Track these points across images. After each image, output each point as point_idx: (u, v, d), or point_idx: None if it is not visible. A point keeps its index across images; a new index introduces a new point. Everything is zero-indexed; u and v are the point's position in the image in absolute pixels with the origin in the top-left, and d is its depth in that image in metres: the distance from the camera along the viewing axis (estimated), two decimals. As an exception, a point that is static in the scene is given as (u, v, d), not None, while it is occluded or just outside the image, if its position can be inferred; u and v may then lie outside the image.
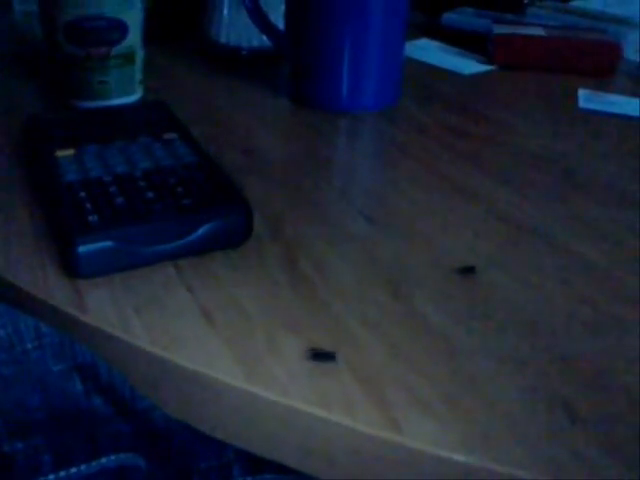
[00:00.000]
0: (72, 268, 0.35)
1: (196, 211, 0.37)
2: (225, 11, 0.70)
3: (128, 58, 0.56)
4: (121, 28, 0.54)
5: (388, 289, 0.35)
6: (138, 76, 0.58)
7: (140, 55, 0.57)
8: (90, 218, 0.36)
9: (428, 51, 0.76)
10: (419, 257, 0.38)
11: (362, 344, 0.31)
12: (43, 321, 0.32)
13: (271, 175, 0.47)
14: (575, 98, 0.64)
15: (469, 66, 0.72)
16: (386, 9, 0.56)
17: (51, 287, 0.34)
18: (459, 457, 0.26)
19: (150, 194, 0.38)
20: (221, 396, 0.29)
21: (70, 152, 0.43)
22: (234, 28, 0.71)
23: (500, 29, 0.73)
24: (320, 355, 0.30)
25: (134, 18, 0.55)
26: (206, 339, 0.31)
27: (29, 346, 0.30)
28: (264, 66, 0.69)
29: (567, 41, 0.72)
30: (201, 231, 0.36)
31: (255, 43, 0.70)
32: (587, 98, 0.64)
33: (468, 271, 0.37)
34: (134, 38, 0.56)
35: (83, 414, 0.30)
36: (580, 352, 0.31)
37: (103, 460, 0.28)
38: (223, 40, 0.71)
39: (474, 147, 0.52)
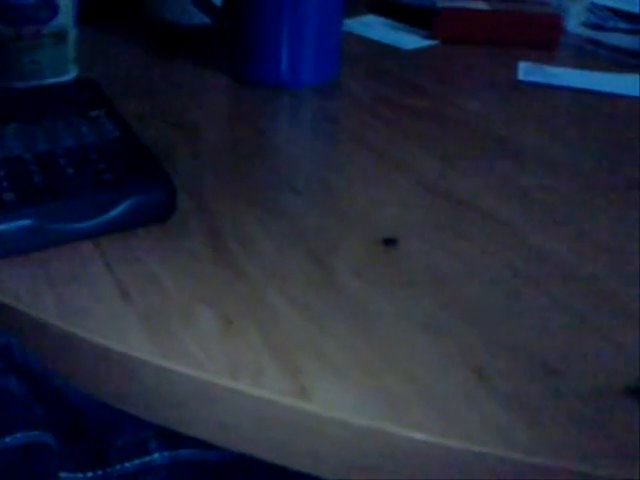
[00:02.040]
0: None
1: (116, 186, 0.36)
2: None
3: (60, 37, 0.55)
4: (51, 6, 0.53)
5: (310, 260, 0.35)
6: (71, 55, 0.57)
7: (73, 34, 0.56)
8: (6, 196, 0.35)
9: (373, 27, 0.76)
10: (344, 229, 0.38)
11: (278, 314, 0.31)
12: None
13: (202, 151, 0.46)
14: (515, 71, 0.64)
15: (412, 41, 0.71)
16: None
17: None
18: (368, 423, 0.26)
19: (70, 171, 0.37)
20: (135, 372, 0.29)
21: (-8, 131, 0.42)
22: (174, 5, 0.70)
23: (442, 3, 0.73)
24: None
25: (65, -4, 0.54)
26: (121, 315, 0.31)
27: None
28: (205, 43, 0.68)
29: (509, 15, 0.72)
30: (122, 207, 0.36)
31: (196, 20, 0.69)
32: (527, 71, 0.64)
33: (392, 242, 0.37)
34: (66, 17, 0.55)
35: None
36: (499, 319, 0.32)
37: (7, 439, 0.28)
38: (163, 17, 0.70)
39: (409, 120, 0.52)
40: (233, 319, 0.31)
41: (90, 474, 0.30)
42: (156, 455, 0.31)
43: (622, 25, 0.79)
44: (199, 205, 0.40)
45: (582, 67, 0.66)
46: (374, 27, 0.76)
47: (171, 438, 0.31)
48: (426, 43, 0.71)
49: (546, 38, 0.71)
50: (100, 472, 0.31)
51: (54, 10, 0.54)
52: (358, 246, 0.36)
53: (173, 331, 0.30)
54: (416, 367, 0.29)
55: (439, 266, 0.35)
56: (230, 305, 0.32)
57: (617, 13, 0.82)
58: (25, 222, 0.34)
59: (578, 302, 0.33)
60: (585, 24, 0.79)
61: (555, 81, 0.63)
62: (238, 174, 0.43)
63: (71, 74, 0.57)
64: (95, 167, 0.38)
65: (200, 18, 0.68)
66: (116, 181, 0.37)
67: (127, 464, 0.31)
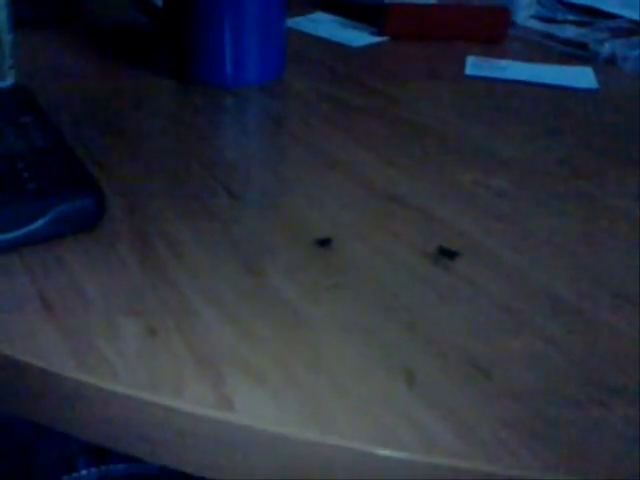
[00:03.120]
0: None
1: (41, 196, 0.35)
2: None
3: (-6, 42, 0.53)
4: (-18, 12, 0.52)
5: (242, 264, 0.34)
6: (7, 62, 0.55)
7: (8, 40, 0.55)
8: None
9: (321, 24, 0.75)
10: (279, 231, 0.37)
11: (204, 323, 0.30)
12: None
13: (139, 155, 0.45)
14: (463, 66, 0.64)
15: (360, 38, 0.71)
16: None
17: None
18: (292, 433, 0.26)
19: None
20: (55, 387, 0.28)
21: None
22: (115, 6, 0.69)
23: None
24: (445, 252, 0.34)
25: (-3, 0, 0.53)
26: (41, 328, 0.30)
27: None
28: (153, 46, 0.67)
29: (456, 9, 0.72)
30: (47, 217, 0.35)
31: (140, 20, 0.68)
32: (474, 65, 0.64)
33: (326, 243, 0.36)
34: (-1, 21, 0.53)
35: None
36: (429, 320, 0.31)
37: None
38: (103, 19, 0.69)
39: (352, 119, 0.52)
40: (157, 329, 0.30)
41: (15, 493, 0.30)
42: (84, 472, 0.30)
43: (571, 17, 0.79)
44: (132, 211, 0.39)
45: (531, 60, 0.66)
46: (323, 24, 0.75)
47: (99, 454, 0.30)
48: (374, 40, 0.71)
49: (494, 32, 0.71)
50: (25, 491, 0.30)
51: (-14, 15, 0.52)
52: (292, 249, 0.36)
53: (94, 343, 0.29)
54: (342, 372, 0.28)
55: (371, 266, 0.35)
56: (155, 315, 0.31)
57: (566, 5, 0.82)
58: None
59: (512, 300, 0.32)
60: (534, 17, 0.79)
61: (503, 75, 0.62)
62: (175, 178, 0.42)
63: (7, 81, 0.55)
64: (20, 176, 0.37)
65: (140, 19, 0.67)
66: (40, 190, 0.36)
67: (54, 482, 0.30)
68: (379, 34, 0.72)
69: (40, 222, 0.35)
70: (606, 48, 0.67)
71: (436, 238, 0.37)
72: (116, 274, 0.33)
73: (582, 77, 0.62)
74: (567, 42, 0.73)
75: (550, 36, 0.74)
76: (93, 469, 0.30)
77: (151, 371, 0.28)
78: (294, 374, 0.28)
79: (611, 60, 0.66)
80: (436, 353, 0.29)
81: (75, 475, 0.30)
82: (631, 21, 0.76)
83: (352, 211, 0.39)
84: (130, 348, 0.29)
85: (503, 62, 0.65)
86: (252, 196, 0.41)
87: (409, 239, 0.37)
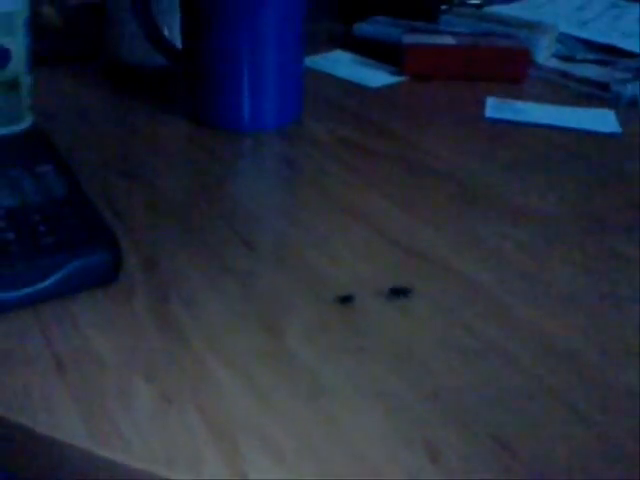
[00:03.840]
0: None
1: (56, 252, 0.35)
2: (127, 28, 0.68)
3: (12, 85, 0.53)
4: (3, 54, 0.52)
5: (261, 325, 0.34)
6: (25, 103, 0.55)
7: (26, 81, 0.55)
8: None
9: (339, 64, 0.75)
10: (299, 288, 0.37)
11: (221, 389, 0.30)
12: None
13: (154, 203, 0.45)
14: (483, 107, 0.63)
15: (379, 78, 0.70)
16: (281, 27, 0.55)
17: None
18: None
19: (10, 235, 0.36)
20: (65, 457, 0.27)
21: None
22: (137, 46, 0.69)
23: (409, 39, 0.72)
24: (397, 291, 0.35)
25: (17, 43, 0.53)
26: (54, 393, 0.29)
27: None
28: (168, 85, 0.67)
29: (476, 49, 0.71)
30: (61, 273, 0.34)
31: (160, 61, 0.68)
32: (494, 107, 0.64)
33: (347, 300, 0.35)
34: (18, 64, 0.53)
35: None
36: (451, 386, 0.30)
37: None
38: (125, 59, 0.69)
39: (371, 165, 0.51)
40: (172, 397, 0.29)
41: None
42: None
43: (591, 56, 0.78)
44: (149, 266, 0.38)
45: (552, 101, 0.65)
46: (341, 64, 0.75)
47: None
48: (393, 80, 0.70)
49: (514, 72, 0.71)
50: None
51: (5, 58, 0.52)
52: (311, 307, 0.35)
53: (108, 412, 0.28)
54: (364, 444, 0.27)
55: (394, 327, 0.34)
56: (171, 381, 0.30)
57: (586, 44, 0.82)
58: None
59: (535, 364, 0.31)
60: (555, 55, 0.79)
61: (523, 117, 0.62)
62: (192, 228, 0.42)
63: (25, 122, 0.55)
64: (36, 230, 0.36)
65: (162, 59, 0.66)
66: (56, 246, 0.35)
67: None
68: (398, 74, 0.71)
69: (54, 279, 0.34)
70: (628, 90, 0.66)
71: (458, 297, 0.36)
72: (132, 335, 0.33)
73: (604, 120, 0.62)
74: (587, 81, 0.72)
75: (570, 76, 0.73)
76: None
77: (166, 444, 0.27)
78: (313, 447, 0.27)
79: (634, 102, 0.65)
80: (459, 425, 0.28)
81: None
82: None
83: (372, 265, 0.39)
84: (145, 418, 0.28)
85: (523, 104, 0.65)
86: (269, 248, 0.40)
87: (432, 296, 0.36)
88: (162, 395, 0.29)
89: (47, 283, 0.34)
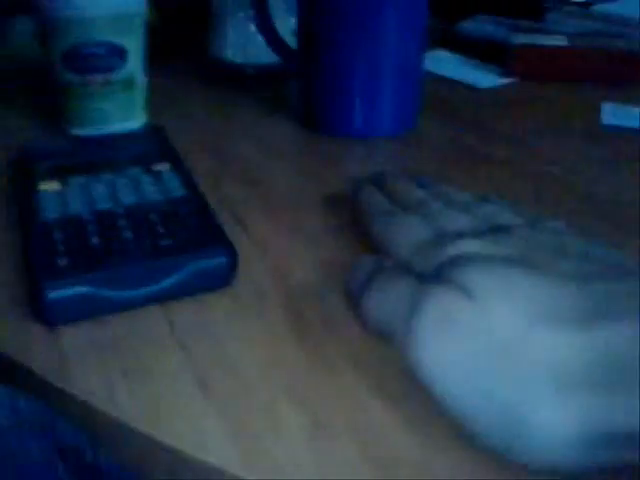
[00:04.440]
0: (40, 315, 0.33)
1: (173, 254, 0.35)
2: (230, 27, 0.68)
3: (128, 84, 0.53)
4: (120, 54, 0.52)
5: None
6: (140, 102, 0.55)
7: (141, 81, 0.55)
8: (59, 261, 0.33)
9: (443, 63, 0.73)
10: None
11: (374, 418, 0.28)
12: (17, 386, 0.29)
13: (275, 209, 0.44)
14: (598, 113, 0.60)
15: (487, 79, 0.68)
16: (403, 28, 0.53)
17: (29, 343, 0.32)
18: None
19: (129, 234, 0.36)
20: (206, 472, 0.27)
21: (54, 185, 0.41)
22: (240, 45, 0.68)
23: (519, 39, 0.70)
24: None
25: (134, 43, 0.53)
26: (200, 413, 0.28)
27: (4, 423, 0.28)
28: (273, 86, 0.66)
29: (590, 50, 0.68)
30: (177, 275, 0.34)
31: (263, 61, 0.68)
32: (610, 113, 0.61)
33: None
34: (134, 64, 0.53)
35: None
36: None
37: None
38: (228, 58, 0.68)
39: (491, 172, 0.49)
40: (322, 424, 0.28)
41: None
42: None
43: None
44: (277, 273, 0.37)
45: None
46: (445, 63, 0.73)
47: None
48: (502, 81, 0.68)
49: (630, 75, 0.68)
50: None
51: (123, 58, 0.52)
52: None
53: (257, 435, 0.27)
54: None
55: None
56: (318, 402, 0.29)
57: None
58: (77, 289, 0.33)
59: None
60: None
61: (641, 124, 0.59)
62: (316, 237, 0.41)
63: (139, 121, 0.56)
64: (154, 230, 0.36)
65: (267, 58, 0.66)
66: (173, 248, 0.35)
67: None
68: (506, 75, 0.69)
69: (170, 281, 0.34)
70: None
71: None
72: (269, 349, 0.32)
73: None
74: None
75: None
76: None
77: (321, 473, 0.26)
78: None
79: None
80: None
81: None
82: None
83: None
84: (296, 443, 0.27)
85: (641, 109, 0.62)
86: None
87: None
88: (312, 417, 0.28)
89: (162, 285, 0.34)
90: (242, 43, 0.68)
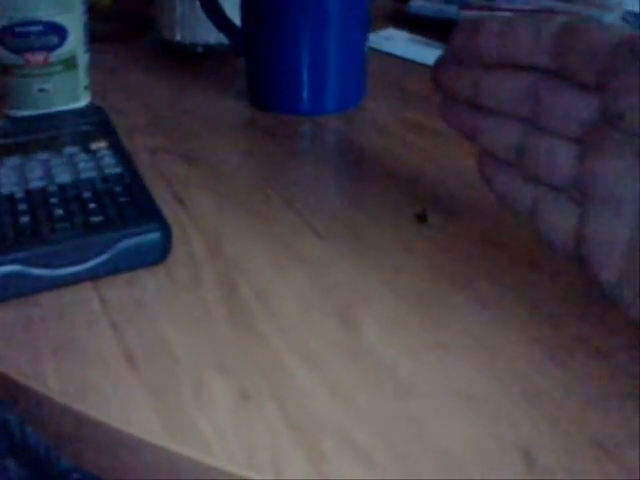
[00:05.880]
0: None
1: (105, 231, 0.34)
2: (180, 7, 0.67)
3: (69, 64, 0.52)
4: (59, 33, 0.51)
5: (335, 317, 0.32)
6: (83, 82, 0.54)
7: (84, 60, 0.54)
8: None
9: (394, 42, 0.73)
10: (371, 276, 0.35)
11: (299, 384, 0.28)
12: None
13: (216, 186, 0.44)
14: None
15: (435, 56, 0.68)
16: (347, 6, 0.53)
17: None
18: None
19: (60, 212, 0.35)
20: (142, 454, 0.27)
21: (-12, 166, 0.40)
22: (189, 25, 0.67)
23: (467, 16, 0.69)
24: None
25: (74, 22, 0.52)
26: (127, 387, 0.28)
27: None
28: (222, 65, 0.66)
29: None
30: (111, 252, 0.34)
31: (212, 40, 0.67)
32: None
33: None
34: (75, 42, 0.52)
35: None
36: (545, 388, 0.28)
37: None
38: (178, 38, 0.68)
39: (436, 146, 0.49)
40: (249, 393, 0.28)
41: None
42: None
43: (658, 34, 0.75)
44: (212, 248, 0.37)
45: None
46: (396, 41, 0.73)
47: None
48: (452, 58, 0.68)
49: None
50: None
51: (62, 36, 0.51)
52: (386, 299, 0.34)
53: (184, 408, 0.27)
54: (455, 448, 0.26)
55: (477, 321, 0.32)
56: (246, 375, 0.29)
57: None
58: (7, 268, 0.32)
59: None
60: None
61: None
62: (257, 215, 0.41)
63: (83, 101, 0.55)
64: (86, 208, 0.36)
65: (217, 38, 0.65)
66: (105, 225, 0.34)
67: None
68: (456, 52, 0.69)
69: (102, 257, 0.34)
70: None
71: (545, 289, 0.34)
72: (200, 324, 0.32)
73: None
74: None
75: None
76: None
77: (246, 444, 0.26)
78: (401, 450, 0.25)
79: None
80: (556, 431, 0.26)
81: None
82: None
83: (448, 255, 0.37)
84: (222, 415, 0.27)
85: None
86: (339, 237, 0.39)
87: (518, 288, 0.34)
88: (239, 390, 0.28)
89: (94, 262, 0.34)
90: (192, 23, 0.67)
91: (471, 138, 0.33)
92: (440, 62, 0.36)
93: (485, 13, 0.70)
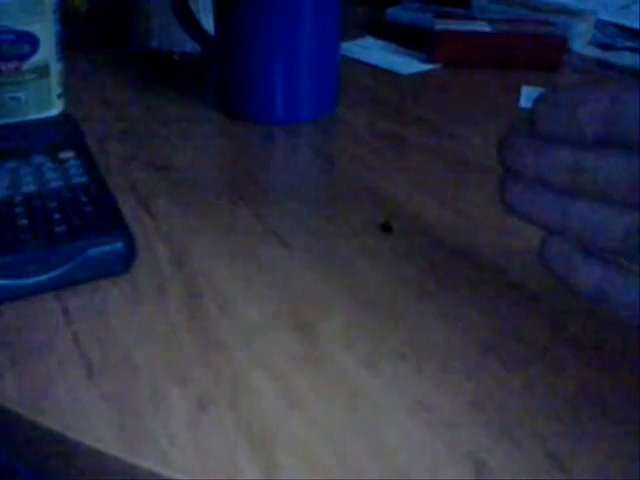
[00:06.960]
0: None
1: (68, 241, 0.34)
2: (155, 14, 0.67)
3: (42, 72, 0.53)
4: (31, 41, 0.51)
5: (296, 328, 0.33)
6: (55, 90, 0.54)
7: (57, 68, 0.54)
8: None
9: (370, 50, 0.73)
10: (333, 286, 0.35)
11: (256, 393, 0.29)
12: None
13: (184, 195, 0.44)
14: (517, 96, 0.61)
15: (410, 65, 0.69)
16: (319, 17, 0.53)
17: None
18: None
19: (24, 222, 0.35)
20: (99, 465, 0.27)
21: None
22: (165, 32, 0.68)
23: (441, 25, 0.70)
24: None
25: (46, 30, 0.52)
26: (86, 398, 0.28)
27: None
28: (198, 73, 0.66)
29: (510, 36, 0.69)
30: (74, 262, 0.34)
31: (188, 48, 0.67)
32: (530, 97, 0.62)
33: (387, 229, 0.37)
34: (47, 51, 0.52)
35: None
36: (499, 401, 0.29)
37: None
38: (154, 45, 0.68)
39: (407, 157, 0.50)
40: (207, 404, 0.28)
41: None
42: None
43: (630, 43, 0.76)
44: (178, 259, 0.37)
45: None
46: (372, 50, 0.73)
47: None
48: (426, 67, 0.69)
49: (550, 60, 0.69)
50: None
51: (34, 45, 0.51)
52: (347, 308, 0.34)
53: (141, 418, 0.27)
54: (406, 459, 0.26)
55: (436, 332, 0.33)
56: (205, 385, 0.29)
57: (625, 30, 0.80)
58: None
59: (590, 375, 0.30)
60: (592, 43, 0.77)
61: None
62: (224, 224, 0.41)
63: (55, 110, 0.55)
64: (51, 218, 0.36)
65: (193, 46, 0.65)
66: (69, 235, 0.35)
67: None
68: (430, 61, 0.70)
69: (65, 267, 0.34)
70: (669, 80, 0.64)
71: (506, 305, 0.35)
72: (163, 334, 0.32)
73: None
74: (626, 70, 0.70)
75: (609, 64, 0.71)
76: None
77: (203, 455, 0.26)
78: (353, 460, 0.26)
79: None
80: (507, 440, 0.27)
81: None
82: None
83: (414, 264, 0.37)
84: (180, 425, 0.27)
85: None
86: (305, 246, 0.39)
87: (477, 299, 0.35)
88: (197, 400, 0.28)
89: (57, 272, 0.34)
90: (168, 30, 0.67)
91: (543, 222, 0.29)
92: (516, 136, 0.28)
93: (461, 24, 0.71)
